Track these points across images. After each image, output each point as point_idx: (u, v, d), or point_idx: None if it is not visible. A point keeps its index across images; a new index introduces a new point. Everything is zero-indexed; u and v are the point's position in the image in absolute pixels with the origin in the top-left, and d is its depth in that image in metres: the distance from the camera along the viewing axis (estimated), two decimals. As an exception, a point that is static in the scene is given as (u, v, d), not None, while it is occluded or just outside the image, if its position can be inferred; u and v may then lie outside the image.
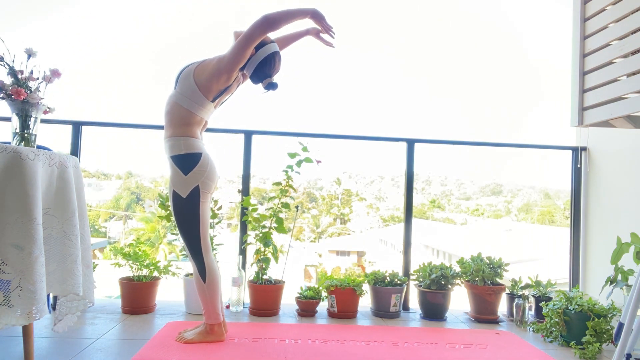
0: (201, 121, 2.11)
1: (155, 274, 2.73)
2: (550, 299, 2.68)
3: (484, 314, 2.76)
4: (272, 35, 2.11)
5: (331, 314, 2.74)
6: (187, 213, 2.04)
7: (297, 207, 3.10)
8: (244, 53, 1.99)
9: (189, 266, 2.86)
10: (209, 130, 3.15)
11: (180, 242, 2.84)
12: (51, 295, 2.48)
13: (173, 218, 2.11)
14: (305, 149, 2.84)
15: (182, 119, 2.05)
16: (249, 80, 2.19)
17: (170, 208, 2.11)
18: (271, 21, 1.96)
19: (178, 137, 2.05)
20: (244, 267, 2.86)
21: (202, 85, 2.03)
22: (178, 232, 2.11)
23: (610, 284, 2.35)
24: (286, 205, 2.82)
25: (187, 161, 2.03)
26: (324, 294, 2.79)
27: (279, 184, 2.84)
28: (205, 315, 2.12)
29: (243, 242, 2.85)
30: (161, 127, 3.08)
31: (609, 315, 2.26)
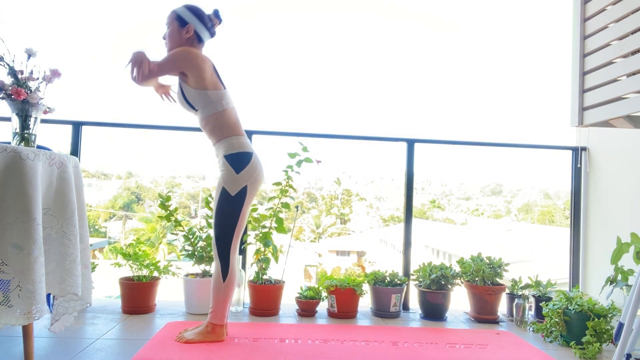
0: (234, 112, 2.17)
1: (155, 274, 2.73)
2: (550, 299, 2.68)
3: (484, 314, 2.76)
4: None
5: (331, 314, 2.74)
6: (229, 211, 2.08)
7: (297, 207, 3.10)
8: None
9: (189, 266, 2.87)
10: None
11: (179, 243, 2.85)
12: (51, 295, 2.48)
13: (213, 213, 2.14)
14: (305, 149, 2.84)
15: (221, 123, 2.12)
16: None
17: (214, 204, 2.14)
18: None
19: (228, 137, 2.12)
20: (243, 267, 2.86)
21: (202, 85, 2.07)
22: (213, 226, 2.12)
23: (610, 284, 2.35)
24: (286, 205, 2.83)
25: (239, 160, 2.09)
26: (324, 294, 2.79)
27: (279, 184, 2.84)
28: (211, 314, 2.12)
29: (243, 242, 2.84)
30: (161, 127, 3.08)
31: (609, 315, 2.26)
